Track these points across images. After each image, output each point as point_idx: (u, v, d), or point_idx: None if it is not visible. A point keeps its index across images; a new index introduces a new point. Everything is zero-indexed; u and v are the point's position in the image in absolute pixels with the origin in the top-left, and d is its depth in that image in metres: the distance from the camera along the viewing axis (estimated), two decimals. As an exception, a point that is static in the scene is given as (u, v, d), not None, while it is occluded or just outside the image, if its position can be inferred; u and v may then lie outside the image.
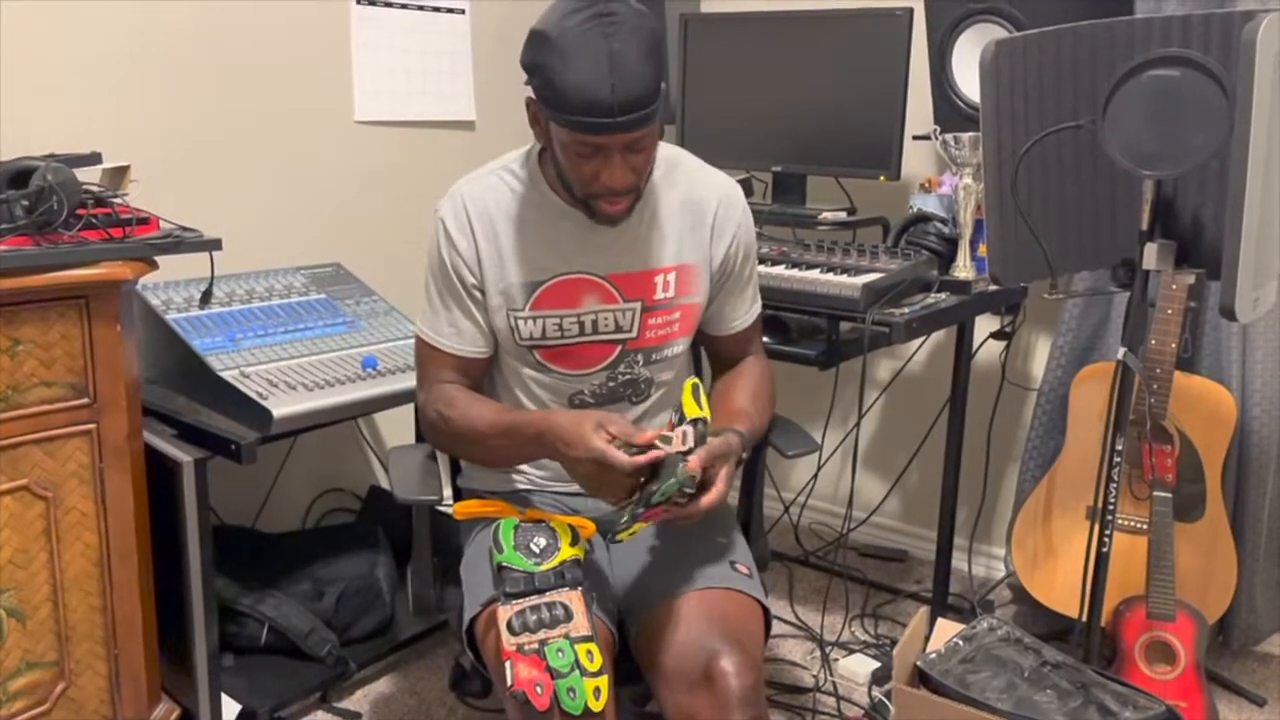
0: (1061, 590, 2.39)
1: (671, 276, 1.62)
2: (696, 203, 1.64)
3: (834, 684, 2.33)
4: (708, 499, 1.42)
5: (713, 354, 1.80)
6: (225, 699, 2.07)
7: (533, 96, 1.46)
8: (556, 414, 1.51)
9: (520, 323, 1.59)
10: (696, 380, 1.56)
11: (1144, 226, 1.69)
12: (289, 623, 2.23)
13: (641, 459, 1.38)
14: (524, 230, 1.57)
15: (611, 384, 1.65)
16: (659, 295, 1.62)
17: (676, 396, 1.74)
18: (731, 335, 1.74)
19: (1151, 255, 1.69)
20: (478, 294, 1.59)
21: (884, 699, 2.26)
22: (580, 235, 1.57)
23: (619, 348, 1.63)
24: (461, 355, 1.62)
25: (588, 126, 1.39)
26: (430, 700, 2.27)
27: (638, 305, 1.61)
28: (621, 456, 1.37)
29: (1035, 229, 1.75)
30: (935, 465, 2.59)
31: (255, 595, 2.26)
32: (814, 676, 2.37)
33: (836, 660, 2.42)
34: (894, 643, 2.52)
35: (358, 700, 2.27)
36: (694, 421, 1.46)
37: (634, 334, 1.62)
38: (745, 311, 1.74)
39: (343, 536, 2.54)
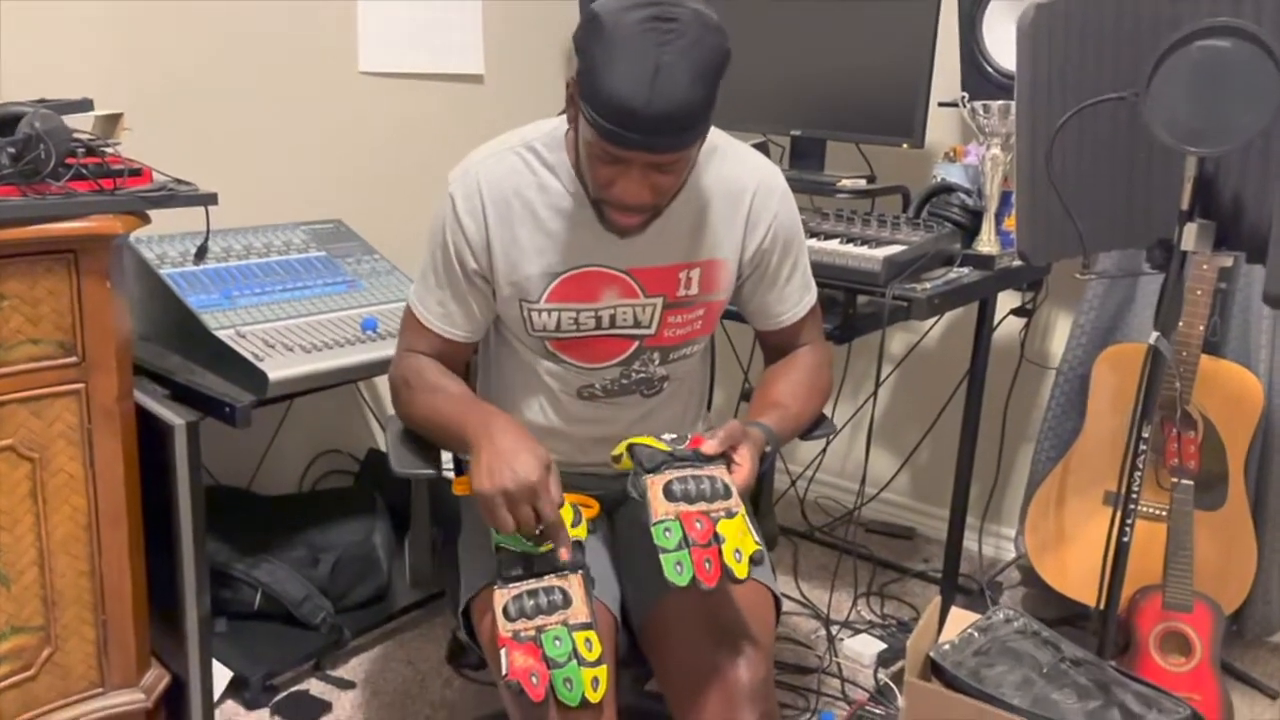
0: (1074, 576, 2.34)
1: (696, 273, 1.52)
2: (731, 192, 1.52)
3: (838, 665, 2.28)
4: (737, 478, 1.34)
5: (763, 345, 1.69)
6: (217, 665, 2.03)
7: (574, 77, 1.33)
8: (508, 418, 1.42)
9: (534, 314, 1.50)
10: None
11: (1184, 206, 1.61)
12: (283, 589, 2.19)
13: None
14: (544, 219, 1.47)
15: (625, 380, 1.57)
16: (682, 292, 1.52)
17: (689, 390, 1.67)
18: (780, 329, 1.63)
19: (1191, 236, 1.61)
20: (479, 280, 1.50)
21: (890, 682, 2.21)
22: (602, 226, 1.45)
23: (636, 343, 1.54)
24: (443, 335, 1.53)
25: (610, 135, 1.27)
26: (426, 671, 2.23)
27: (659, 301, 1.52)
28: (553, 503, 1.31)
29: (1068, 205, 1.67)
30: (946, 442, 2.53)
31: (249, 560, 2.21)
32: (819, 657, 2.32)
33: (841, 640, 2.37)
34: (900, 623, 2.48)
35: (352, 669, 2.23)
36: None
37: (653, 330, 1.53)
38: (794, 304, 1.62)
39: (340, 501, 2.48)
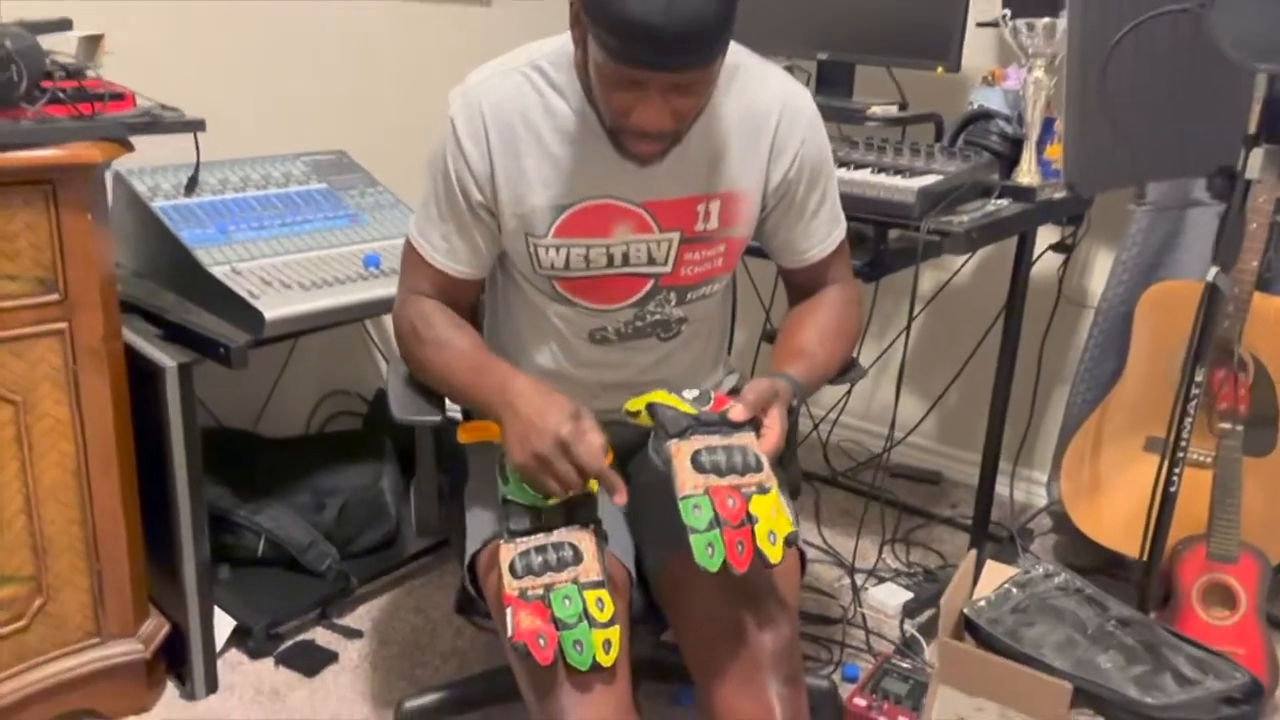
0: (1110, 524, 2.24)
1: (715, 205, 1.39)
2: (755, 116, 1.39)
3: (863, 616, 2.20)
4: (766, 444, 1.24)
5: (787, 284, 1.57)
6: (219, 614, 1.96)
7: None
8: (526, 378, 1.33)
9: (540, 251, 1.38)
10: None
11: (1251, 129, 1.48)
12: (287, 535, 2.11)
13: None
14: (551, 147, 1.34)
15: (639, 323, 1.45)
16: (700, 226, 1.40)
17: (709, 332, 1.56)
18: (807, 267, 1.51)
19: (1257, 162, 1.48)
20: (484, 213, 1.38)
21: (916, 634, 2.13)
22: (616, 155, 1.33)
23: (651, 282, 1.42)
24: (447, 272, 1.42)
25: (627, 58, 1.15)
26: (436, 620, 2.15)
27: (675, 236, 1.39)
28: (591, 449, 1.23)
29: (1122, 130, 1.53)
30: (975, 384, 2.41)
31: (252, 505, 2.13)
32: (842, 607, 2.24)
33: (865, 590, 2.29)
34: (927, 571, 2.39)
35: (359, 617, 2.16)
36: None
37: (668, 268, 1.41)
38: (822, 239, 1.49)
39: (347, 443, 2.40)
